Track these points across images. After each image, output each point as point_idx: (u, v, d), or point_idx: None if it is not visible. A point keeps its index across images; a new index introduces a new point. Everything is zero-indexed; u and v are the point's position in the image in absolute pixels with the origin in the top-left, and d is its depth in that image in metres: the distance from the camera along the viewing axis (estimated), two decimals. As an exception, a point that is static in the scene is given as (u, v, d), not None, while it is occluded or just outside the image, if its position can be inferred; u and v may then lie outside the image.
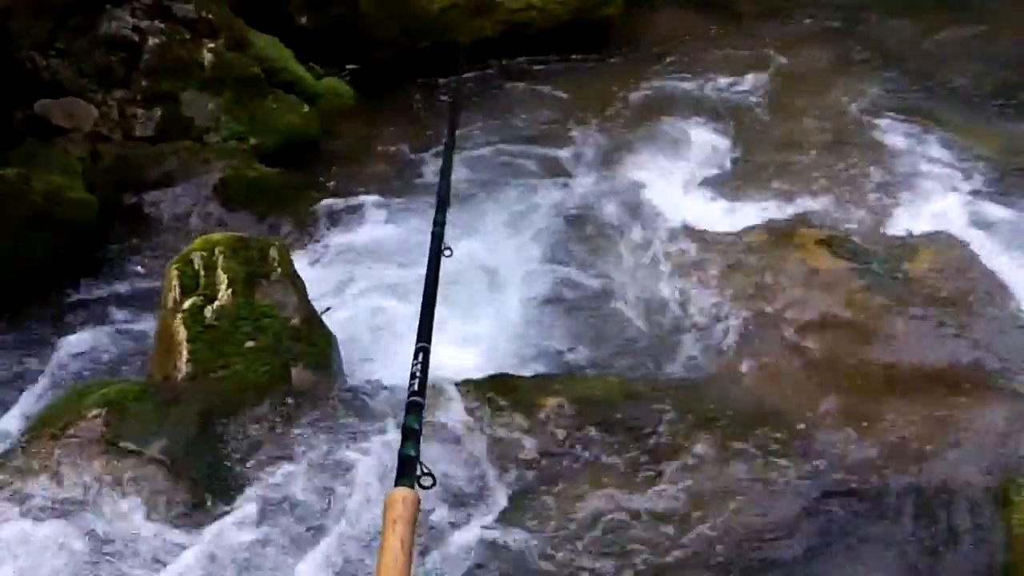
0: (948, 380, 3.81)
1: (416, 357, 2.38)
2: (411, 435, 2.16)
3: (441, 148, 5.37)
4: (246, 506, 3.19)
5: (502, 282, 4.46)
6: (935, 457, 3.45)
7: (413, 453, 2.10)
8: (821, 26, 7.03)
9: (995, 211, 4.84)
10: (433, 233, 3.01)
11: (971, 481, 3.33)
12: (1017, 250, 4.54)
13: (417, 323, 2.50)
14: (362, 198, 5.20)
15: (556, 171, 5.42)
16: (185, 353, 3.61)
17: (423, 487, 2.04)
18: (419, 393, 2.29)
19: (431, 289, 2.72)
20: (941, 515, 3.23)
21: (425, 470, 2.08)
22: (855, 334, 4.06)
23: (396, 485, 2.00)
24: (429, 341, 2.46)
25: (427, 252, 2.91)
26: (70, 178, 4.72)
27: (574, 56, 6.60)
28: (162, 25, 5.33)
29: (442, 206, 3.18)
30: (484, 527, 3.18)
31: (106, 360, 4.08)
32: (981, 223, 4.74)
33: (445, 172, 3.32)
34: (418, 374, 2.33)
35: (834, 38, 6.82)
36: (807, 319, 4.13)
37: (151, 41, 5.28)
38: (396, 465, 2.06)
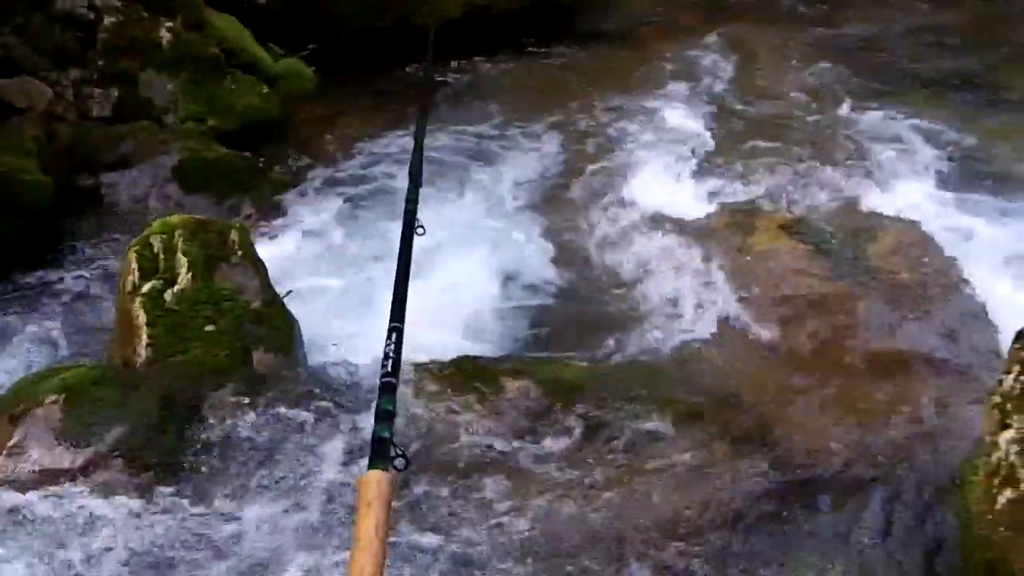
0: (906, 363, 3.84)
1: (389, 337, 2.32)
2: (385, 416, 2.13)
3: (404, 130, 5.39)
4: (208, 491, 3.16)
5: (466, 264, 4.43)
6: (894, 438, 3.48)
7: (387, 435, 2.07)
8: (791, 10, 7.06)
9: (957, 196, 4.90)
10: (406, 210, 2.94)
11: (929, 461, 3.36)
12: (976, 233, 4.60)
13: (389, 302, 2.44)
14: (323, 180, 5.18)
15: (520, 155, 5.42)
16: (144, 337, 3.56)
17: (397, 469, 2.02)
18: (392, 374, 2.24)
19: (404, 267, 2.66)
20: (900, 495, 3.26)
21: (399, 451, 2.06)
22: (816, 317, 4.09)
23: (369, 467, 1.97)
24: (402, 321, 2.40)
25: (395, 232, 2.86)
26: (24, 159, 4.63)
27: (538, 38, 6.58)
28: (119, 3, 5.23)
29: (414, 183, 3.12)
30: (448, 510, 3.17)
31: (64, 345, 4.02)
32: (942, 207, 4.80)
33: (417, 148, 3.26)
34: (391, 354, 2.28)
35: (804, 23, 6.88)
36: (769, 303, 4.16)
37: (107, 20, 5.18)
38: (369, 447, 2.03)
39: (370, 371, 3.58)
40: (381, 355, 2.27)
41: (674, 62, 6.30)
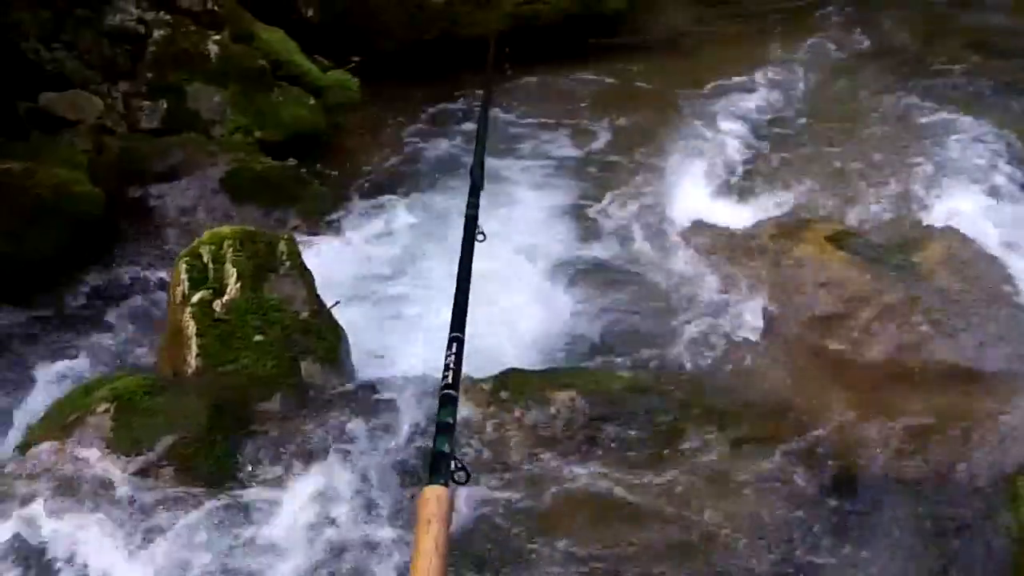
0: (956, 375, 3.80)
1: (449, 348, 2.29)
2: (444, 429, 2.09)
3: (448, 141, 5.41)
4: (258, 501, 3.17)
5: (512, 275, 4.44)
6: (945, 451, 3.44)
7: (447, 448, 2.03)
8: (831, 19, 7.01)
9: (1007, 205, 4.83)
10: (467, 216, 2.89)
11: (981, 475, 3.33)
12: (1025, 243, 4.55)
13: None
14: (369, 190, 5.22)
15: (566, 164, 5.43)
16: (194, 347, 3.59)
17: (457, 483, 1.97)
18: (453, 386, 2.19)
19: (465, 276, 2.60)
20: (951, 509, 3.23)
21: (459, 464, 2.01)
22: (863, 329, 4.04)
23: (429, 483, 1.93)
24: (463, 331, 2.36)
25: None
26: (75, 171, 4.68)
27: (584, 48, 6.58)
28: (167, 17, 5.31)
29: (475, 189, 3.06)
30: (499, 520, 3.17)
31: (114, 354, 4.07)
32: (992, 217, 4.73)
33: (478, 154, 3.23)
34: (452, 366, 2.24)
35: (844, 30, 6.82)
36: (816, 314, 4.12)
37: (156, 33, 5.25)
38: (429, 461, 2.00)
39: (419, 382, 3.59)
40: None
41: (718, 71, 6.28)
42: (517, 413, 3.53)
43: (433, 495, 1.88)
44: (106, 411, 3.37)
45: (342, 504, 3.17)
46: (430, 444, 2.10)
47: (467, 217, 2.86)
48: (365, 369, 3.84)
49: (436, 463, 2.00)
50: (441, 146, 5.52)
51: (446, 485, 1.93)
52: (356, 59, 6.12)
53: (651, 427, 3.53)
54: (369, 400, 3.55)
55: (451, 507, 1.88)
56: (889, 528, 3.19)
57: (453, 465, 2.01)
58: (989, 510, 3.19)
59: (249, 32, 5.56)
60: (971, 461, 3.39)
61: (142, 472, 3.24)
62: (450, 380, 2.21)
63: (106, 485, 3.20)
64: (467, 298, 2.52)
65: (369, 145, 5.62)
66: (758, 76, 6.29)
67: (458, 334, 2.34)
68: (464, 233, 2.78)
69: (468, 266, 2.66)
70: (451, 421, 2.12)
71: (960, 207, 4.83)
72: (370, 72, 6.04)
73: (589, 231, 4.87)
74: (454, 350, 2.28)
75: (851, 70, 6.39)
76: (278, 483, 3.25)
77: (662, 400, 3.64)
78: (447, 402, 2.16)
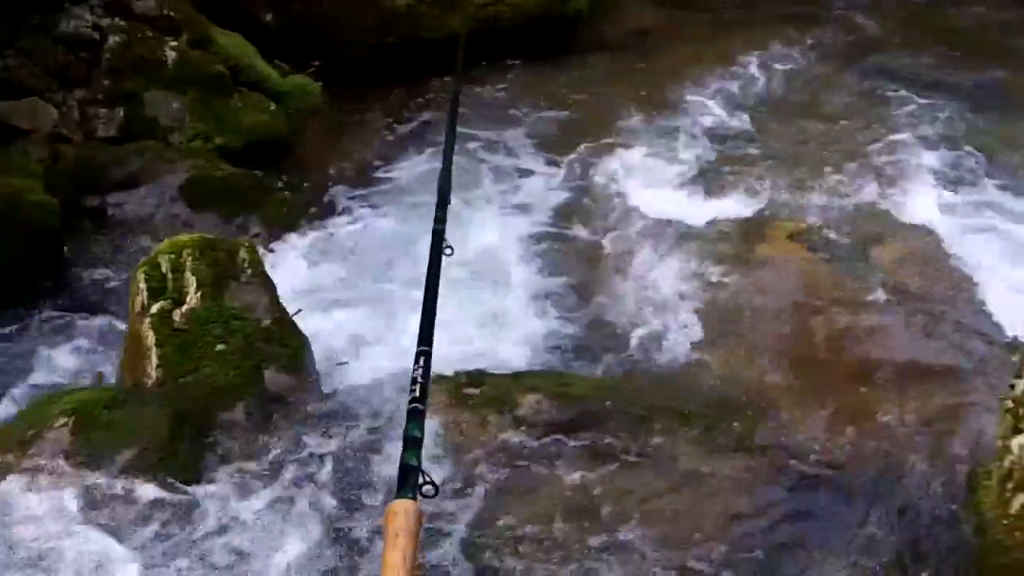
0: (917, 370, 3.84)
1: (417, 361, 2.23)
2: (412, 443, 2.04)
3: (411, 145, 5.40)
4: (220, 513, 3.14)
5: (479, 277, 4.44)
6: (906, 445, 3.47)
7: (415, 462, 1.99)
8: (792, 18, 7.05)
9: (966, 201, 4.91)
10: (434, 231, 2.82)
11: (942, 469, 3.36)
12: (986, 238, 4.60)
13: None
14: (332, 197, 5.18)
15: (529, 167, 5.42)
16: (154, 358, 3.55)
17: (425, 496, 1.93)
18: (420, 399, 2.15)
19: (432, 290, 2.55)
20: (912, 502, 3.25)
21: (427, 479, 1.97)
22: (825, 325, 4.09)
23: (397, 496, 1.89)
24: (430, 344, 2.31)
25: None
26: (30, 180, 4.60)
27: (546, 50, 6.58)
28: (123, 23, 5.23)
29: (442, 203, 3.04)
30: (465, 524, 3.16)
31: (73, 367, 4.01)
32: (952, 213, 4.80)
33: (446, 166, 3.21)
34: (419, 379, 2.19)
35: (807, 29, 6.85)
36: (779, 311, 4.16)
37: (112, 39, 5.18)
38: (397, 475, 1.95)
39: (382, 389, 3.58)
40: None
41: (679, 71, 6.30)
42: (483, 416, 3.52)
43: (401, 509, 1.84)
44: (65, 425, 3.31)
45: (307, 515, 3.15)
46: (394, 452, 2.10)
47: (434, 232, 2.84)
48: (329, 377, 3.81)
49: (404, 477, 1.96)
50: (404, 150, 5.50)
51: (414, 499, 1.90)
52: (317, 63, 6.08)
53: (617, 428, 3.54)
54: (333, 408, 3.53)
55: (419, 521, 1.84)
56: (853, 522, 3.22)
57: (421, 479, 1.96)
58: (951, 503, 3.21)
59: (207, 37, 5.50)
60: (932, 455, 3.43)
61: (103, 486, 3.18)
62: (418, 394, 2.17)
63: (66, 500, 3.14)
64: (434, 312, 2.48)
65: (331, 150, 5.58)
66: (721, 75, 6.32)
67: (425, 348, 2.30)
68: (431, 248, 2.76)
69: (435, 280, 2.61)
70: (419, 435, 2.08)
71: (921, 204, 4.89)
72: (332, 76, 6.00)
73: (551, 234, 4.86)
74: (421, 364, 2.24)
75: (813, 67, 6.45)
76: (242, 494, 3.21)
77: (628, 401, 3.65)
78: (415, 416, 2.12)
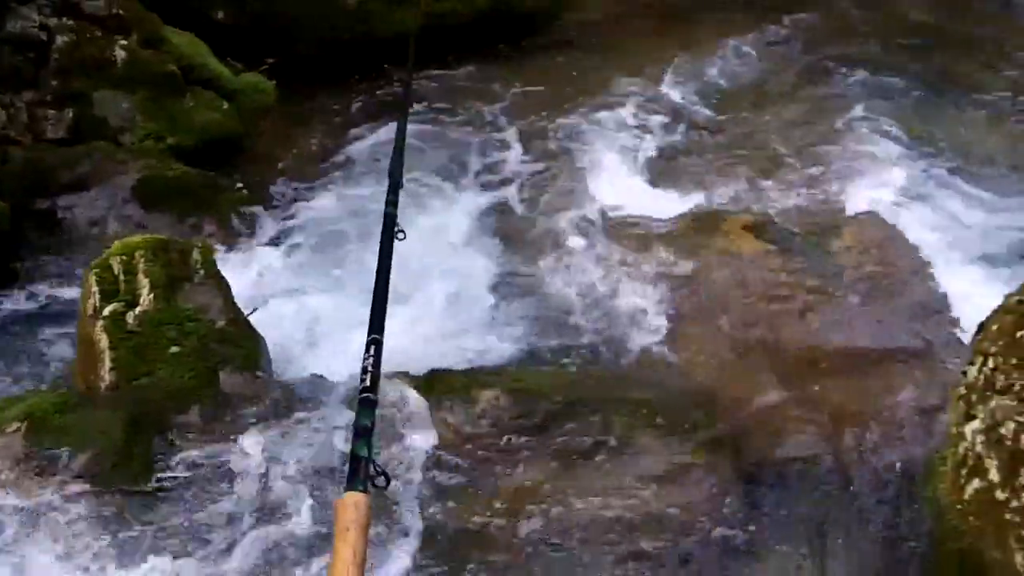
0: (873, 358, 3.86)
1: (368, 350, 2.23)
2: (363, 433, 2.04)
3: (365, 141, 5.38)
4: (177, 516, 3.12)
5: (434, 273, 4.42)
6: (862, 433, 3.50)
7: (365, 453, 1.98)
8: (750, 10, 7.08)
9: (919, 190, 4.95)
10: (385, 214, 2.82)
11: (901, 455, 3.38)
12: (939, 227, 4.66)
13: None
14: (287, 194, 5.15)
15: (484, 163, 5.41)
16: (108, 361, 3.51)
17: (377, 487, 1.93)
18: (371, 389, 2.14)
19: (383, 276, 2.52)
20: (871, 489, 3.28)
21: (379, 470, 1.96)
22: (782, 317, 4.11)
23: (347, 489, 1.89)
24: (382, 333, 2.30)
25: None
26: (-23, 184, 4.56)
27: (498, 47, 6.57)
28: (71, 23, 5.15)
29: (394, 186, 2.99)
30: (421, 522, 3.15)
31: (24, 372, 3.95)
32: (905, 202, 4.84)
33: (398, 149, 3.17)
34: (370, 368, 2.18)
35: (765, 24, 6.88)
36: (734, 303, 4.18)
37: (60, 39, 5.10)
38: (347, 467, 1.95)
39: (340, 387, 3.56)
40: (358, 369, 2.18)
41: (634, 68, 6.30)
42: (441, 413, 3.51)
43: (351, 501, 1.83)
44: (17, 430, 3.27)
45: (264, 514, 3.13)
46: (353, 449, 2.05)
47: (386, 215, 2.79)
48: (286, 376, 3.78)
49: (354, 469, 1.95)
50: (358, 147, 5.46)
51: (365, 491, 1.89)
52: (270, 61, 6.04)
53: (576, 422, 3.54)
54: (290, 407, 3.50)
55: (370, 514, 1.84)
56: (814, 511, 3.24)
57: (372, 470, 1.96)
58: (909, 488, 3.24)
59: (158, 36, 5.43)
60: (891, 442, 3.46)
61: (57, 491, 3.15)
62: (368, 383, 2.16)
63: (20, 506, 3.10)
64: (386, 298, 2.46)
65: (285, 148, 5.54)
66: (677, 69, 6.33)
67: (376, 336, 2.28)
68: (383, 231, 2.72)
69: (387, 265, 2.59)
70: (369, 425, 2.07)
71: (875, 194, 4.93)
72: (285, 74, 5.95)
73: (505, 229, 4.86)
74: (372, 352, 2.23)
75: (770, 61, 6.47)
76: (199, 496, 3.18)
77: (587, 395, 3.65)
78: (366, 405, 2.11)
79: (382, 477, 1.98)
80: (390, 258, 2.62)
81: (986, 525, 2.67)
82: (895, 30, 6.76)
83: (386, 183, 3.13)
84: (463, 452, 3.41)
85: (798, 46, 6.63)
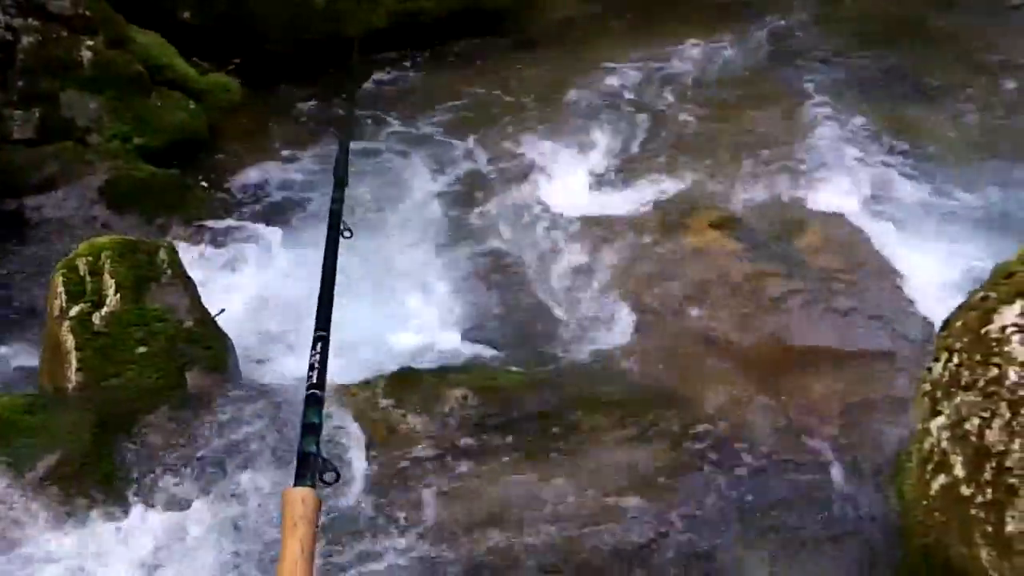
0: (839, 355, 3.89)
1: (315, 347, 2.25)
2: (311, 430, 2.05)
3: (333, 141, 5.34)
4: (144, 516, 3.11)
5: (398, 274, 4.43)
6: (829, 430, 3.52)
7: (313, 449, 1.99)
8: (718, 8, 7.11)
9: (883, 188, 4.98)
10: (331, 211, 2.83)
11: (865, 451, 3.40)
12: (903, 224, 4.68)
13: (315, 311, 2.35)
14: (254, 194, 5.14)
15: (448, 161, 5.40)
16: (74, 362, 3.50)
17: (326, 483, 1.94)
18: (318, 385, 2.17)
19: (329, 273, 2.55)
20: (839, 486, 3.30)
21: (328, 466, 1.98)
22: (748, 313, 4.13)
23: (295, 484, 1.90)
24: (328, 330, 2.32)
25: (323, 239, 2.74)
26: (-57, 185, 4.52)
27: (467, 44, 6.57)
28: (36, 23, 5.11)
29: (339, 184, 3.00)
30: (390, 524, 3.15)
31: (-8, 374, 3.93)
32: (869, 200, 4.86)
33: (343, 149, 3.16)
34: (317, 365, 2.21)
35: (735, 23, 6.91)
36: (700, 301, 4.20)
37: (25, 40, 5.06)
38: (296, 463, 1.96)
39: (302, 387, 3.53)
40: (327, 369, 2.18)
41: (602, 66, 6.30)
42: (409, 413, 3.52)
43: (299, 496, 1.84)
44: (-16, 432, 3.25)
45: (231, 512, 3.12)
46: (322, 447, 2.06)
47: (331, 212, 2.79)
48: (253, 376, 3.78)
49: (302, 464, 1.96)
50: (325, 147, 5.45)
51: (313, 487, 1.90)
52: (236, 61, 6.01)
53: (545, 421, 3.55)
54: (257, 407, 3.49)
55: (318, 509, 1.85)
56: (782, 509, 3.25)
57: (321, 466, 1.97)
58: (877, 485, 3.26)
59: (124, 36, 5.40)
60: (857, 439, 3.48)
61: (25, 493, 3.13)
62: (315, 380, 2.18)
63: (-13, 508, 3.09)
64: (332, 295, 2.48)
65: (251, 148, 5.52)
66: (643, 67, 6.33)
67: (323, 332, 2.30)
68: (329, 229, 2.72)
69: (333, 262, 2.61)
70: (317, 421, 2.09)
71: (839, 192, 4.95)
72: (252, 74, 5.95)
73: (470, 228, 4.86)
74: (319, 349, 2.25)
75: (738, 59, 6.49)
76: (167, 497, 3.18)
77: (554, 394, 3.66)
78: (313, 402, 2.13)
79: (332, 473, 1.99)
80: (335, 256, 2.64)
81: (951, 520, 2.69)
82: (863, 26, 6.81)
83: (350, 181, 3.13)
84: (430, 452, 3.41)
85: (765, 43, 6.65)
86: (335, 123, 4.35)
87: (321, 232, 4.18)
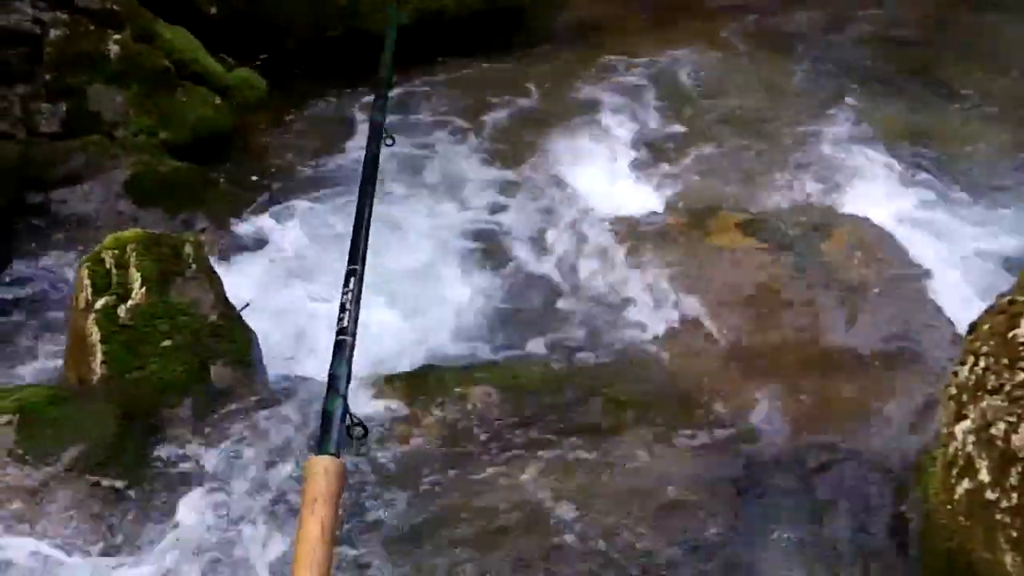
0: (864, 358, 3.87)
1: (347, 283, 2.00)
2: (337, 383, 1.84)
3: (356, 136, 5.38)
4: (169, 509, 3.13)
5: (424, 273, 4.43)
6: (853, 434, 3.51)
7: (339, 407, 1.77)
8: (738, 9, 7.09)
9: (910, 191, 4.96)
10: (372, 124, 2.57)
11: (888, 454, 3.39)
12: (930, 228, 4.67)
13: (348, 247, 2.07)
14: (278, 189, 5.13)
15: (474, 158, 5.40)
16: (99, 355, 3.51)
17: (353, 438, 1.74)
18: (347, 330, 1.91)
19: (366, 198, 2.25)
20: (860, 488, 3.28)
21: (355, 419, 1.77)
22: (772, 315, 4.11)
23: (319, 452, 1.68)
24: (363, 263, 2.05)
25: (349, 234, 2.45)
26: (-29, 178, 4.54)
27: (491, 42, 6.57)
28: (65, 16, 5.13)
29: (385, 90, 2.72)
30: (412, 521, 3.15)
31: (17, 365, 3.93)
32: (896, 203, 4.85)
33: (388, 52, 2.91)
34: (348, 305, 1.96)
35: (753, 24, 6.89)
36: (724, 301, 4.18)
37: (53, 33, 5.08)
38: (319, 427, 1.74)
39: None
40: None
41: (626, 63, 6.30)
42: (433, 410, 3.52)
43: (321, 468, 1.65)
44: (9, 423, 3.26)
45: (252, 506, 3.14)
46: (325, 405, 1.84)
47: (372, 125, 2.52)
48: (277, 371, 3.78)
49: (326, 428, 1.75)
50: (348, 142, 5.46)
51: (337, 455, 1.69)
52: (262, 57, 6.03)
53: (567, 419, 3.56)
54: (281, 402, 3.51)
55: (342, 479, 1.65)
56: (804, 509, 3.25)
57: (349, 420, 1.75)
58: (898, 488, 3.25)
59: (151, 31, 5.42)
60: (882, 442, 3.47)
61: (49, 483, 3.15)
62: (345, 323, 1.92)
63: (12, 497, 3.11)
64: (368, 225, 2.19)
65: (277, 144, 5.53)
66: (667, 67, 6.32)
67: (355, 266, 2.03)
68: (369, 139, 2.42)
69: (372, 181, 2.30)
70: (345, 373, 1.87)
71: (866, 194, 4.94)
72: (277, 70, 5.95)
73: (495, 225, 4.85)
74: (351, 286, 1.99)
75: (760, 59, 6.47)
76: (190, 490, 3.20)
77: (577, 392, 3.67)
78: (340, 350, 1.89)
79: (359, 427, 1.79)
80: (375, 172, 2.34)
81: (976, 525, 2.67)
82: (888, 26, 6.78)
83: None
84: (455, 449, 3.42)
85: (788, 44, 6.63)
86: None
87: (348, 224, 4.22)
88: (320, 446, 1.71)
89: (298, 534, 1.60)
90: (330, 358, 1.88)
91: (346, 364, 1.89)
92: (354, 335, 1.91)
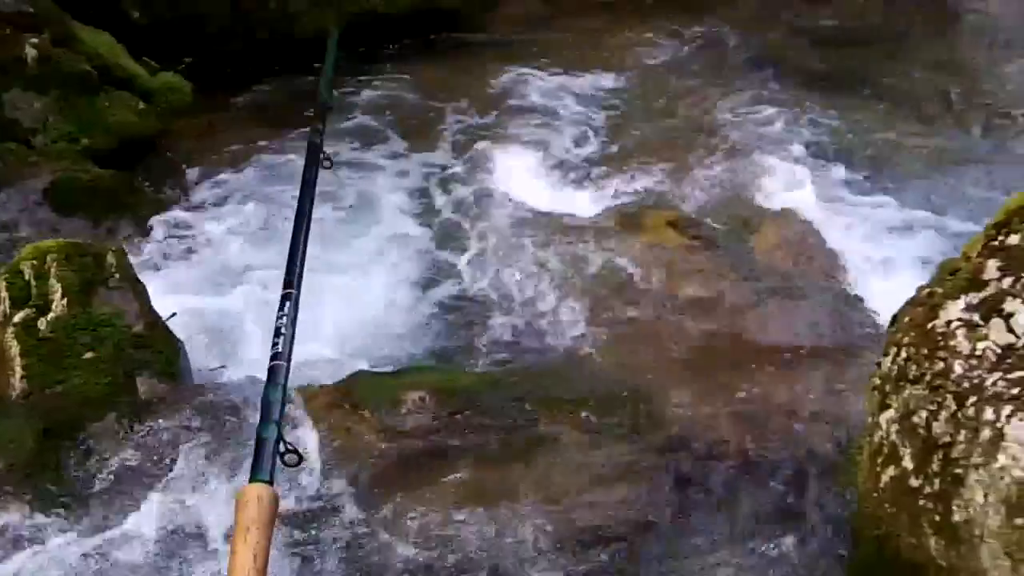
0: (792, 352, 3.91)
1: (282, 307, 1.96)
2: (271, 410, 1.80)
3: (284, 141, 5.33)
4: (92, 524, 3.06)
5: (356, 274, 4.40)
6: (785, 426, 3.53)
7: (272, 434, 1.74)
8: (677, 11, 7.15)
9: (834, 187, 5.06)
10: (309, 143, 2.53)
11: (820, 446, 3.42)
12: (854, 223, 4.75)
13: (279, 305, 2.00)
14: (205, 195, 5.08)
15: (402, 162, 5.40)
16: (19, 369, 3.42)
17: (288, 465, 1.71)
18: (282, 355, 1.88)
19: (303, 221, 2.20)
20: (794, 481, 3.31)
21: (289, 447, 1.74)
22: (704, 311, 4.15)
23: (251, 479, 1.66)
24: (298, 286, 2.01)
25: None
26: None
27: (423, 44, 6.56)
28: (-21, 21, 5.03)
29: (322, 111, 2.68)
30: (347, 529, 3.12)
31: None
32: (821, 199, 4.93)
33: (327, 75, 2.90)
34: (284, 329, 1.92)
35: (689, 26, 6.95)
36: (657, 299, 4.21)
37: (-33, 38, 4.97)
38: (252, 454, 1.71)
39: (258, 388, 3.49)
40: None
41: (556, 65, 6.34)
42: (367, 416, 3.49)
43: (254, 496, 1.62)
44: (-75, 442, 3.18)
45: (180, 521, 3.07)
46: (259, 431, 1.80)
47: (310, 143, 2.48)
48: (205, 381, 3.72)
49: (259, 453, 1.73)
50: (275, 147, 5.41)
51: (270, 483, 1.67)
52: (187, 60, 5.95)
53: (504, 422, 3.53)
54: (209, 412, 3.43)
55: (275, 508, 1.62)
56: (737, 503, 3.27)
57: (283, 450, 1.73)
58: (831, 478, 3.28)
59: (70, 35, 5.30)
60: (811, 433, 3.49)
61: (-33, 503, 3.07)
62: (280, 348, 1.88)
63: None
64: (304, 249, 2.15)
65: (202, 149, 5.45)
66: (601, 67, 6.40)
67: (291, 290, 2.01)
68: (306, 160, 2.39)
69: (309, 207, 2.26)
70: (279, 398, 1.83)
71: (791, 191, 5.02)
72: (203, 74, 5.86)
73: (425, 228, 4.85)
74: (287, 310, 1.96)
75: (698, 60, 6.56)
76: (114, 506, 3.13)
77: (512, 395, 3.64)
78: (274, 376, 1.85)
79: (293, 454, 1.75)
80: (311, 199, 2.32)
81: (901, 512, 2.70)
82: (815, 28, 6.89)
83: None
84: (389, 455, 3.38)
85: (719, 45, 6.72)
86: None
87: (275, 231, 4.18)
88: (253, 473, 1.69)
89: (230, 563, 1.58)
90: (264, 382, 1.85)
91: (280, 390, 1.85)
92: (289, 360, 1.88)
